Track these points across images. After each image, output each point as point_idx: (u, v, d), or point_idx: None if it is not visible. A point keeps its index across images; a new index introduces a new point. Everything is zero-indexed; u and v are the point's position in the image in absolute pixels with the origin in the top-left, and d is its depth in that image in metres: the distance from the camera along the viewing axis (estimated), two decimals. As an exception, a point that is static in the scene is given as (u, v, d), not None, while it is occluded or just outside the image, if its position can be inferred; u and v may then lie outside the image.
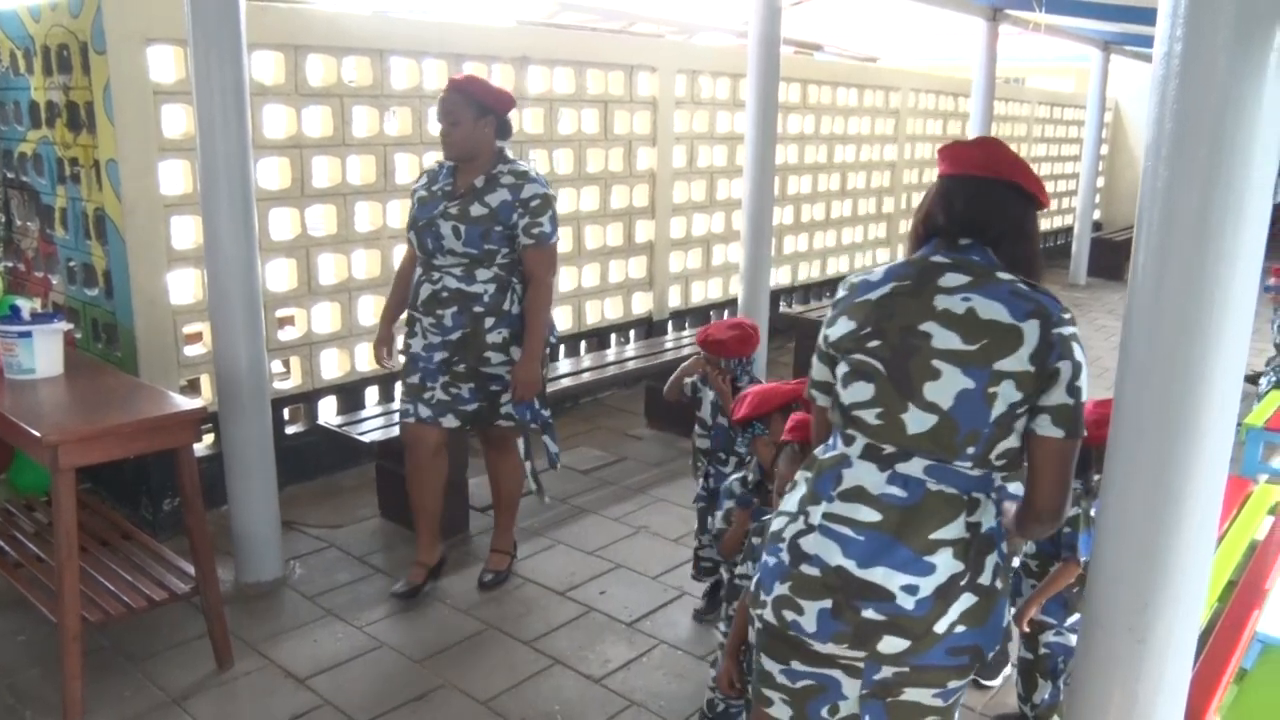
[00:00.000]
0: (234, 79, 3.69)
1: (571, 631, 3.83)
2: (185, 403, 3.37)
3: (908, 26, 16.61)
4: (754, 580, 2.11)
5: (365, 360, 5.38)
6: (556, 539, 4.61)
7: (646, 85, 6.73)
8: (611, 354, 6.35)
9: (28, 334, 3.48)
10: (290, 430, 5.10)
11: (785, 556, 2.00)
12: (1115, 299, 11.16)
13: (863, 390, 1.97)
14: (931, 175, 10.17)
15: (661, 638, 3.78)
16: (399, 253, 5.37)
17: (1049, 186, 13.18)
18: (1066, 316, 1.93)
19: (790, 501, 2.07)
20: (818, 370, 2.12)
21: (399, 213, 5.37)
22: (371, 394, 5.46)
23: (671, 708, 3.34)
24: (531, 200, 3.71)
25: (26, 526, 3.81)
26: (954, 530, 1.91)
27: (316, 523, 4.71)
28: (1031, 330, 1.88)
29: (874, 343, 1.98)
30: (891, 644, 1.91)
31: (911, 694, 1.99)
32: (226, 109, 3.68)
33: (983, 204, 2.04)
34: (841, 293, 2.11)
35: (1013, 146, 2.17)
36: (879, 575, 1.90)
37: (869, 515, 1.93)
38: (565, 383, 5.57)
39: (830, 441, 2.07)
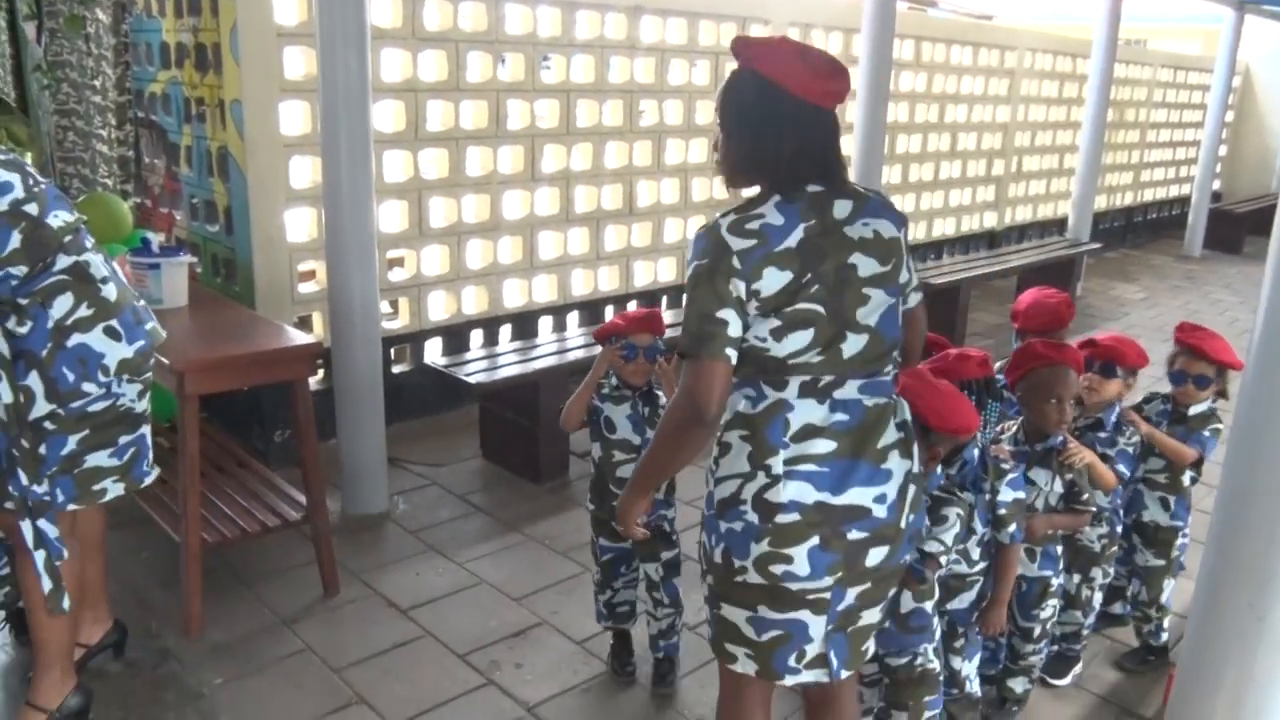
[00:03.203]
0: (355, 22, 3.76)
1: (666, 579, 3.88)
2: (302, 337, 3.48)
3: (1027, -17, 16.10)
4: (713, 549, 2.10)
5: (471, 303, 5.47)
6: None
7: (758, 38, 6.63)
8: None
9: (157, 266, 3.62)
10: (396, 369, 5.22)
11: (753, 516, 2.01)
12: (1232, 273, 10.75)
13: (801, 338, 1.99)
14: (1046, 139, 9.96)
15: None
16: (509, 199, 5.46)
17: (1168, 155, 12.70)
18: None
19: (733, 464, 2.05)
20: (735, 328, 1.97)
21: (510, 159, 5.43)
22: (476, 336, 5.55)
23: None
24: None
25: (150, 450, 3.98)
26: (891, 434, 2.05)
27: (420, 460, 4.84)
28: (904, 236, 2.11)
29: (814, 288, 1.98)
30: (876, 555, 2.04)
31: (866, 616, 2.12)
32: (348, 51, 3.76)
33: (832, 135, 2.09)
34: (746, 242, 1.96)
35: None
36: (854, 496, 2.00)
37: (825, 447, 2.00)
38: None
39: (751, 394, 2.04)
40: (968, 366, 2.63)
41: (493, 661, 3.32)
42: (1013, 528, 2.65)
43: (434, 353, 5.35)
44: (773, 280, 1.96)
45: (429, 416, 5.32)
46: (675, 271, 6.54)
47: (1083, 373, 2.98)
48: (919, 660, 2.48)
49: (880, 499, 2.01)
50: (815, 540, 1.99)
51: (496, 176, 5.37)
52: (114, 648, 3.16)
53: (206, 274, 4.88)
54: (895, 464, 2.04)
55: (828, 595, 2.03)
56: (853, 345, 2.01)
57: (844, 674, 2.14)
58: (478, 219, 5.38)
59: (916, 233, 8.75)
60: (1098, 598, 3.35)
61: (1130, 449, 3.15)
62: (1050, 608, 3.06)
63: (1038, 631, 3.04)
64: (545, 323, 5.88)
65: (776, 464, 2.00)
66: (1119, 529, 3.30)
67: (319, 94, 3.87)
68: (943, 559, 2.41)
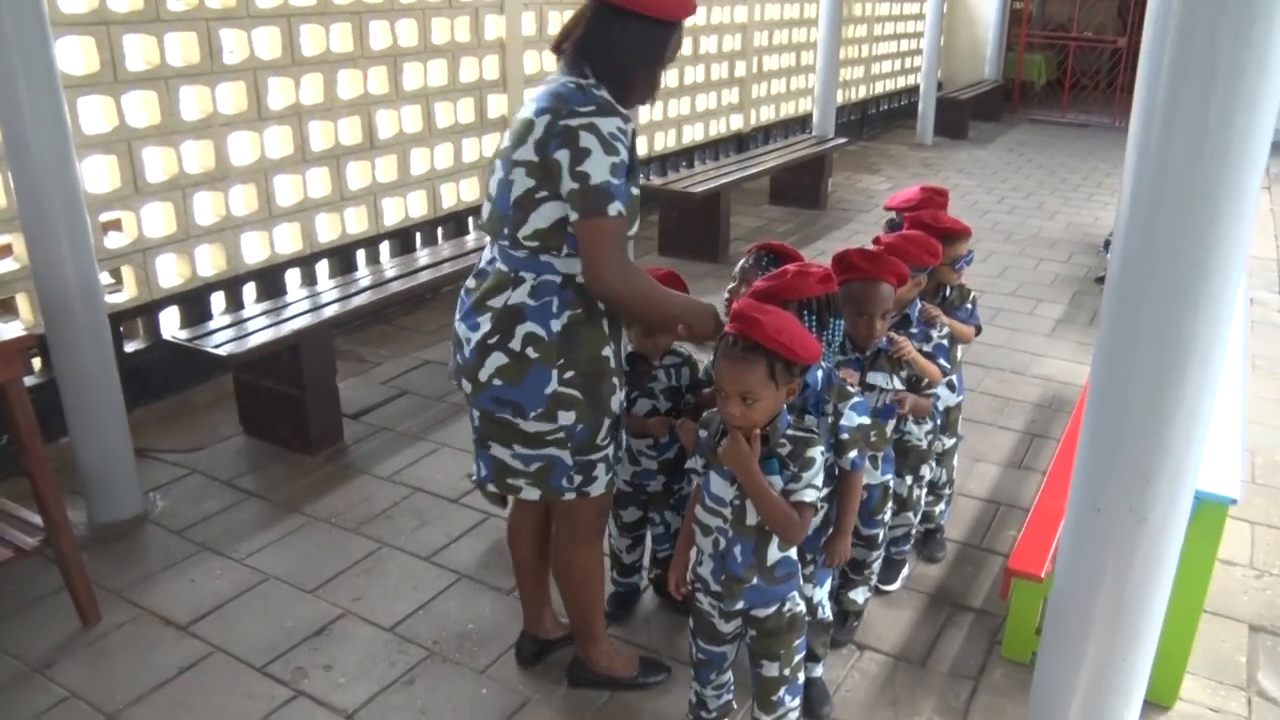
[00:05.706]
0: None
1: (474, 541, 3.56)
2: (5, 330, 2.88)
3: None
4: None
5: (207, 263, 4.86)
6: (440, 441, 4.30)
7: (489, -54, 6.18)
8: (471, 240, 5.92)
9: None
10: (130, 348, 4.58)
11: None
12: (963, 157, 11.24)
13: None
14: (783, 38, 9.99)
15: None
16: (235, 142, 4.86)
17: (894, 47, 13.07)
18: (585, 110, 2.18)
19: None
20: None
21: (231, 97, 4.80)
22: (218, 301, 4.95)
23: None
24: None
25: None
26: (498, 300, 2.34)
27: (173, 447, 4.26)
28: (541, 123, 2.20)
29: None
30: (466, 385, 2.43)
31: (496, 449, 2.46)
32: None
33: (576, 23, 2.31)
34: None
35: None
36: (461, 330, 2.42)
37: (472, 284, 2.44)
38: (424, 276, 5.08)
39: None
40: (808, 283, 2.41)
41: (297, 669, 2.92)
42: (854, 454, 2.47)
43: (171, 324, 4.72)
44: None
45: (175, 395, 4.72)
46: (426, 205, 6.06)
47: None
48: (787, 607, 2.30)
49: (465, 342, 2.40)
50: (453, 349, 2.48)
51: (218, 118, 4.73)
52: None
53: (-128, 262, 4.07)
54: (483, 323, 2.34)
55: (468, 404, 2.48)
56: (486, 209, 2.38)
57: (490, 486, 2.54)
58: (202, 168, 4.74)
59: (666, 141, 8.57)
60: (925, 496, 3.30)
61: (945, 341, 3.10)
62: (889, 511, 2.98)
63: (881, 536, 2.97)
64: (293, 276, 5.32)
65: (470, 281, 2.47)
66: (939, 422, 3.25)
67: (-17, 31, 3.18)
68: (820, 505, 2.24)
